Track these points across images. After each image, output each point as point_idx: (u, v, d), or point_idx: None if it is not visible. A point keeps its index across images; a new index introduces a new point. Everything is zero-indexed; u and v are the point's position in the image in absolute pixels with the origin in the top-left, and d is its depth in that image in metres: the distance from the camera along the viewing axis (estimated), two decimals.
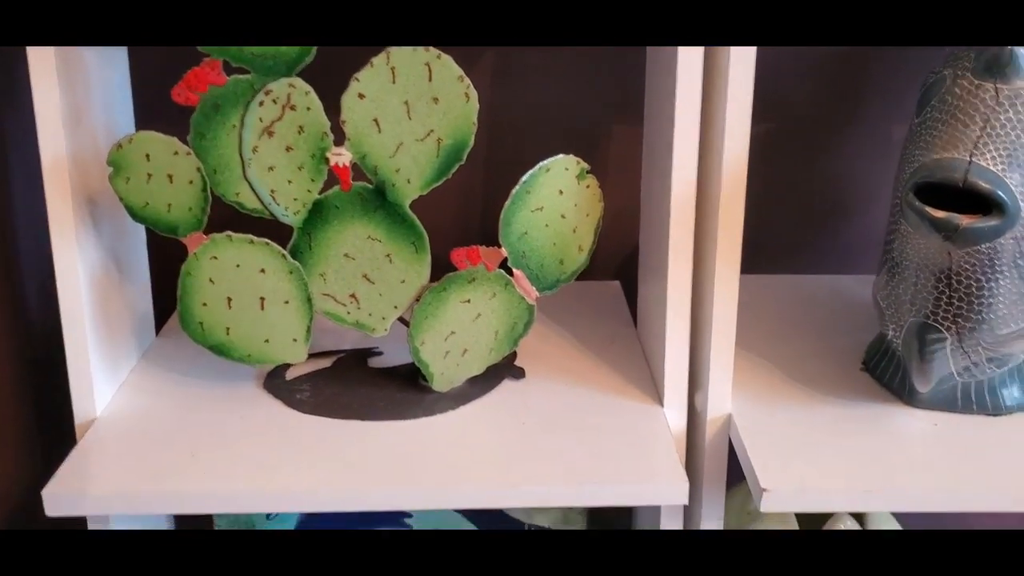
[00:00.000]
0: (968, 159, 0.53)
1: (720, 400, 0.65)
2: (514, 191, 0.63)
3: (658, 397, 0.68)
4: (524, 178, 0.63)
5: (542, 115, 0.86)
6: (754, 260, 0.88)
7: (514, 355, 0.73)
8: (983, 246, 0.54)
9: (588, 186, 0.65)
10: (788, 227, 0.90)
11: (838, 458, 0.61)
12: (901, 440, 0.63)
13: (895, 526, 0.75)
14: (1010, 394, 0.64)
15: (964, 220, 0.53)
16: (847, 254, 0.91)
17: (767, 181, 0.88)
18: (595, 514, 0.81)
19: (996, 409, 0.64)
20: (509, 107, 0.86)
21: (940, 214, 0.54)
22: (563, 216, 0.65)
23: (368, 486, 0.59)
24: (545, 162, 0.63)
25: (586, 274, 0.89)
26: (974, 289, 0.56)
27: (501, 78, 0.85)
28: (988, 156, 0.53)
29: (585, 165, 0.64)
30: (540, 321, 0.79)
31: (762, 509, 0.58)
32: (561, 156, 0.64)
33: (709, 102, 0.61)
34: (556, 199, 0.64)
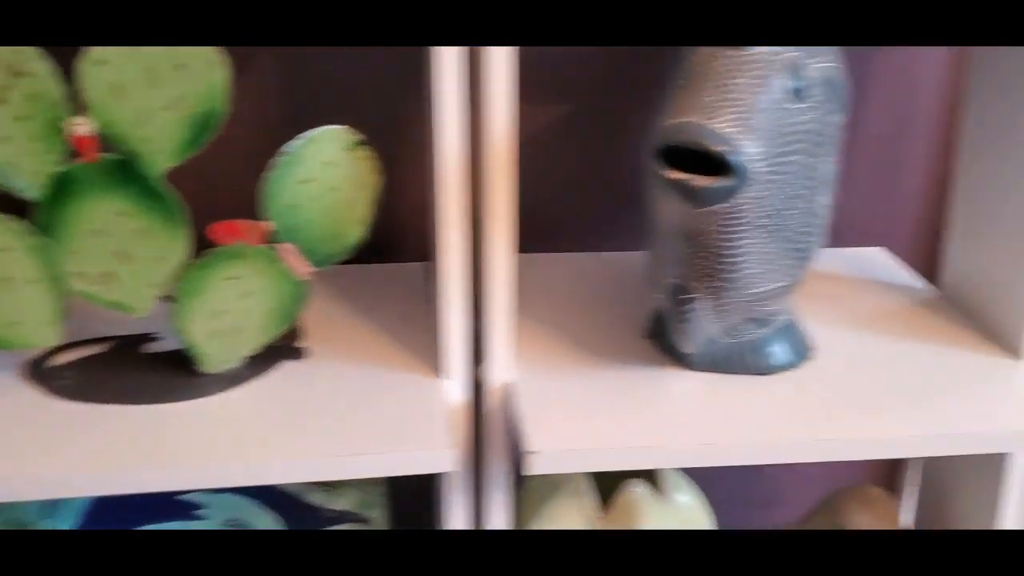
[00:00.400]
0: (702, 122, 0.54)
1: (501, 371, 0.65)
2: (277, 162, 0.61)
3: (441, 371, 0.67)
4: (287, 148, 0.61)
5: (349, 96, 0.85)
6: (552, 239, 0.89)
7: (295, 335, 0.71)
8: (722, 207, 0.55)
9: (361, 158, 0.64)
10: (585, 207, 0.91)
11: (609, 420, 0.61)
12: (673, 401, 0.63)
13: (686, 487, 0.76)
14: (776, 353, 0.66)
15: (699, 181, 0.54)
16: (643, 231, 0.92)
17: (565, 163, 0.88)
18: (395, 497, 0.80)
19: (764, 368, 0.66)
20: (315, 88, 0.84)
21: (676, 176, 0.54)
22: (335, 188, 0.64)
23: (130, 469, 0.57)
24: (311, 132, 0.62)
25: (394, 256, 0.89)
26: (720, 250, 0.57)
27: (312, 59, 0.83)
28: (722, 119, 0.54)
29: (357, 137, 0.63)
30: (335, 301, 0.78)
31: (530, 472, 0.58)
32: (329, 127, 0.63)
33: (475, 84, 0.61)
34: (325, 171, 0.63)
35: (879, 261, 0.89)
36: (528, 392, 0.64)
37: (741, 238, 0.57)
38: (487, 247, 0.63)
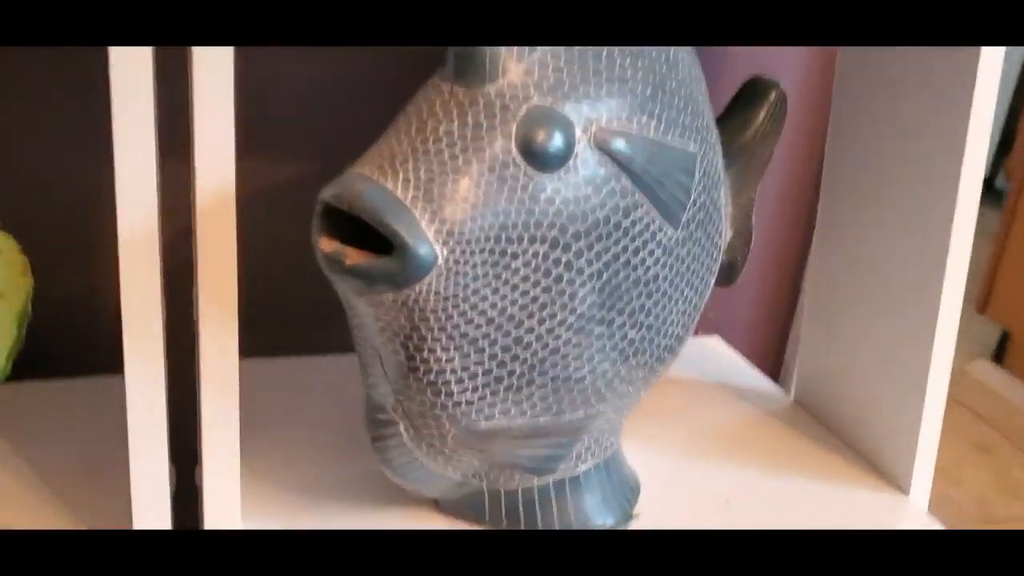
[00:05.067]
0: (372, 177, 0.37)
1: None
2: None
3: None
4: None
5: None
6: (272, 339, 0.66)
7: None
8: (397, 300, 0.37)
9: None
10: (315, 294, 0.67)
11: None
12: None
13: None
14: (571, 510, 0.48)
15: (351, 256, 0.36)
16: None
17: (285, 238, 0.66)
18: None
19: (563, 524, 0.48)
20: None
21: (328, 247, 0.37)
22: None
23: None
24: None
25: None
26: (414, 361, 0.40)
27: None
28: (403, 177, 0.37)
29: None
30: None
31: None
32: None
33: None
34: None
35: (714, 353, 0.72)
36: None
37: (437, 347, 0.39)
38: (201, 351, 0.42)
